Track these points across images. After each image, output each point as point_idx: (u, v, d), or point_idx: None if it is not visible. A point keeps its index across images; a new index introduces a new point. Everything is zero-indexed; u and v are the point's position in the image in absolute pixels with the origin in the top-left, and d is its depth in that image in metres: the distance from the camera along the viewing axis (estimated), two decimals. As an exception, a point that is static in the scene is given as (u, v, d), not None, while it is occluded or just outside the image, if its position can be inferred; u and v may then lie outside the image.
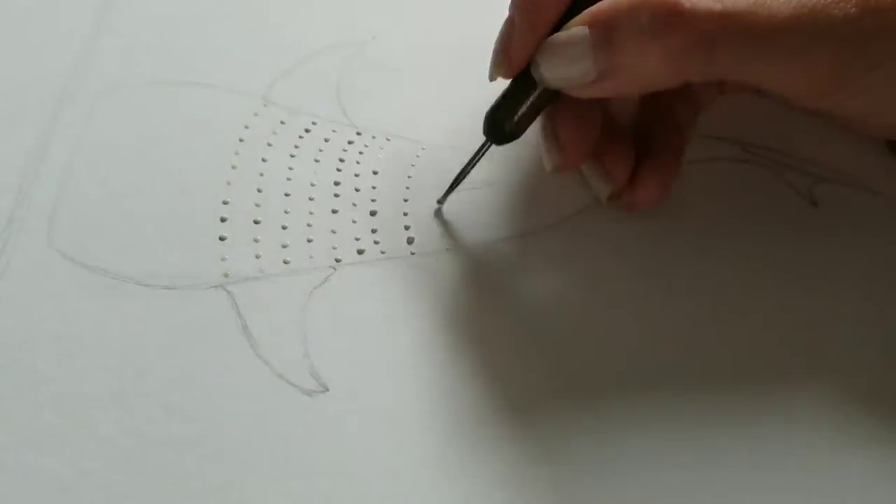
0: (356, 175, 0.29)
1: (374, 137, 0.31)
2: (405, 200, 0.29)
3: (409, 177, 0.30)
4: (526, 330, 0.26)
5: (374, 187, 0.29)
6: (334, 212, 0.28)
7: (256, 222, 0.28)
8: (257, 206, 0.28)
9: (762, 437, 0.24)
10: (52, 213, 0.28)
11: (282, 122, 0.31)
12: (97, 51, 0.33)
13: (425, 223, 0.28)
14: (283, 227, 0.28)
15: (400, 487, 0.23)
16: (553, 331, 0.26)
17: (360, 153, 0.30)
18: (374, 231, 0.28)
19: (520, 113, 0.26)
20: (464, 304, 0.26)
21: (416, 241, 0.28)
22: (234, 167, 0.29)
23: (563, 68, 0.24)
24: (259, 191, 0.29)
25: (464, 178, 0.28)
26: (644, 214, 0.28)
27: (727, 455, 0.23)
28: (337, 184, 0.29)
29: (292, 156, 0.30)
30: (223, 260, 0.27)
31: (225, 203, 0.28)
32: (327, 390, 0.24)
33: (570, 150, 0.27)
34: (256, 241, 0.27)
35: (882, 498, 0.23)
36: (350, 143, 0.30)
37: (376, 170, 0.30)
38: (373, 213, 0.28)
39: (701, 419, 0.24)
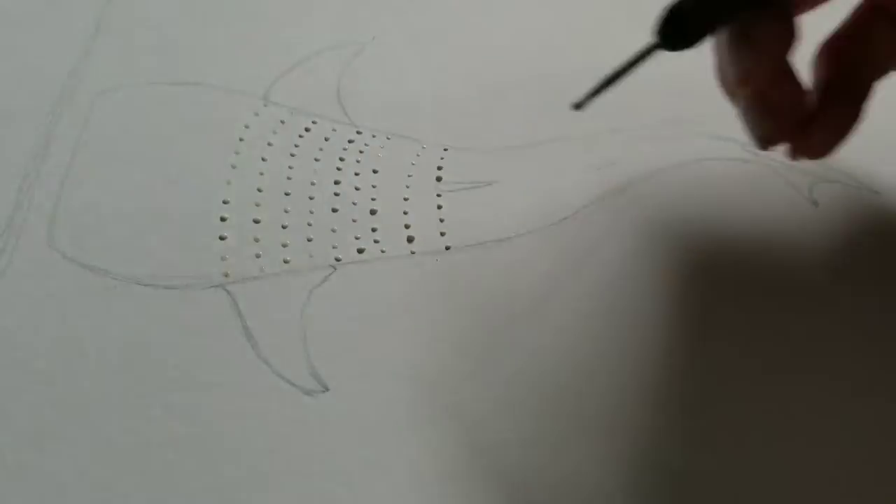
0: (356, 174, 0.29)
1: (374, 136, 0.31)
2: (405, 199, 0.29)
3: (409, 176, 0.30)
4: (528, 329, 0.26)
5: (374, 186, 0.29)
6: (334, 211, 0.28)
7: (256, 222, 0.28)
8: (257, 205, 0.28)
9: (764, 431, 0.24)
10: (53, 214, 0.28)
11: (282, 122, 0.31)
12: (97, 51, 0.33)
13: (426, 222, 0.28)
14: (283, 227, 0.28)
15: (399, 488, 0.23)
16: (556, 330, 0.26)
17: (360, 152, 0.30)
18: (374, 230, 0.28)
19: (707, 13, 0.22)
20: (464, 302, 0.26)
21: (416, 240, 0.28)
22: (234, 167, 0.29)
23: None
24: (259, 190, 0.29)
25: (614, 83, 0.23)
26: (643, 213, 0.28)
27: (729, 451, 0.23)
28: (337, 183, 0.29)
29: (292, 155, 0.30)
30: (223, 259, 0.27)
31: (225, 203, 0.28)
32: (327, 390, 0.24)
33: (765, 52, 0.23)
34: (256, 240, 0.27)
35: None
36: (350, 142, 0.30)
37: (376, 169, 0.30)
38: (373, 213, 0.28)
39: (702, 412, 0.24)
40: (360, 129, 0.31)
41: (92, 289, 0.26)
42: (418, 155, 0.30)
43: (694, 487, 0.23)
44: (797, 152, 0.26)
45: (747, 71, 0.24)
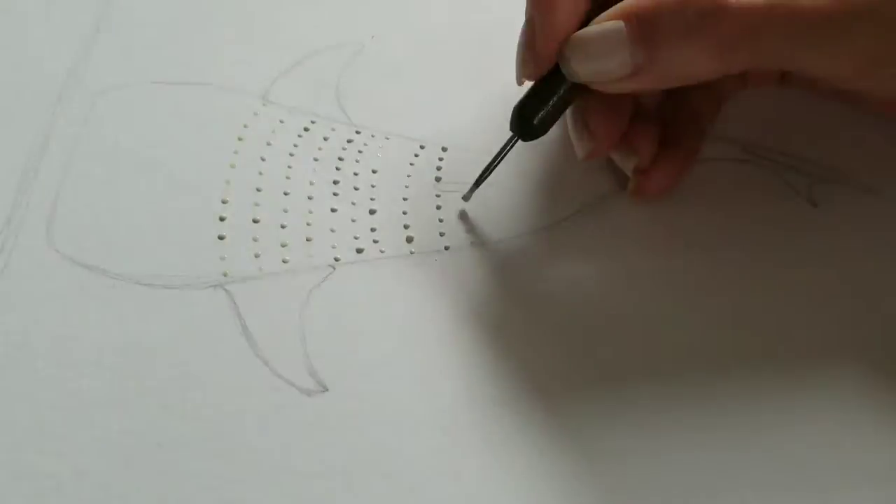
0: (355, 174, 0.29)
1: (373, 136, 0.31)
2: (404, 199, 0.29)
3: (408, 175, 0.30)
4: (526, 329, 0.26)
5: (373, 186, 0.29)
6: (333, 211, 0.28)
7: (255, 221, 0.28)
8: (256, 205, 0.28)
9: (765, 429, 0.24)
10: (51, 213, 0.28)
11: (281, 122, 0.31)
12: (96, 50, 0.33)
13: (425, 222, 0.28)
14: (282, 227, 0.28)
15: (399, 487, 0.23)
16: (554, 330, 0.26)
17: (360, 152, 0.30)
18: (373, 230, 0.28)
19: (547, 108, 0.26)
20: (463, 302, 0.26)
21: (415, 240, 0.28)
22: (232, 166, 0.29)
23: (596, 63, 0.24)
24: (258, 190, 0.29)
25: (489, 174, 0.28)
26: (644, 215, 0.28)
27: (731, 447, 0.23)
28: (336, 183, 0.29)
29: (291, 155, 0.30)
30: (222, 259, 0.27)
31: (224, 202, 0.28)
32: (326, 390, 0.24)
33: (600, 137, 0.27)
34: (255, 240, 0.27)
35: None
36: (349, 142, 0.30)
37: (375, 168, 0.30)
38: (372, 212, 0.28)
39: (704, 411, 0.24)
40: (360, 129, 0.31)
41: (90, 288, 0.26)
42: (417, 155, 0.30)
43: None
44: (637, 195, 0.28)
45: (583, 148, 0.27)
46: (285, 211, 0.28)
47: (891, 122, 0.30)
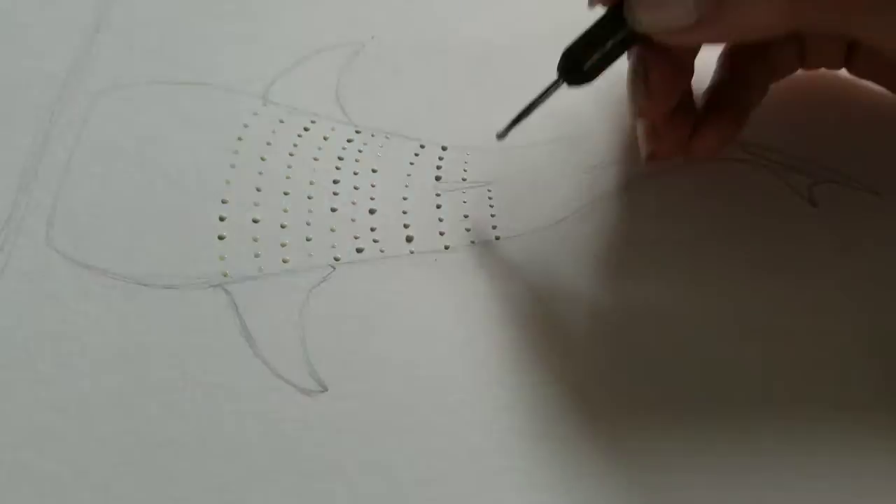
0: (355, 173, 0.29)
1: (372, 136, 0.31)
2: (404, 199, 0.29)
3: (408, 175, 0.30)
4: (528, 327, 0.26)
5: (373, 186, 0.29)
6: (333, 210, 0.28)
7: (255, 221, 0.28)
8: (256, 205, 0.28)
9: (763, 436, 0.24)
10: (51, 213, 0.28)
11: (280, 122, 0.31)
12: (96, 50, 0.33)
13: (424, 222, 0.28)
14: (282, 226, 0.28)
15: (399, 487, 0.23)
16: (556, 329, 0.26)
17: (359, 151, 0.30)
18: (373, 230, 0.28)
19: (600, 54, 0.25)
20: (463, 302, 0.26)
21: (415, 239, 0.28)
22: (232, 166, 0.29)
23: (661, 10, 0.24)
24: (258, 190, 0.29)
25: (527, 115, 0.27)
26: (642, 214, 0.28)
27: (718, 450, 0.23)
28: (336, 182, 0.29)
29: (291, 154, 0.30)
30: (222, 259, 0.27)
31: (224, 202, 0.28)
32: (326, 390, 0.24)
33: (658, 95, 0.26)
34: (255, 240, 0.27)
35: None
36: (349, 141, 0.30)
37: (375, 168, 0.30)
38: (372, 212, 0.28)
39: (704, 408, 0.24)
40: (359, 129, 0.31)
41: (90, 288, 0.26)
42: (417, 154, 0.30)
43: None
44: (684, 154, 0.28)
45: (643, 107, 0.26)
46: (285, 211, 0.28)
47: (891, 120, 0.31)
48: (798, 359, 0.25)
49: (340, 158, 0.30)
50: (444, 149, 0.30)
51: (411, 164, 0.30)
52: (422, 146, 0.30)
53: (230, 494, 0.22)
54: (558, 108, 0.28)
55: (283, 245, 0.27)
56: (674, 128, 0.28)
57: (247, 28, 0.34)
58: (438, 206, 0.29)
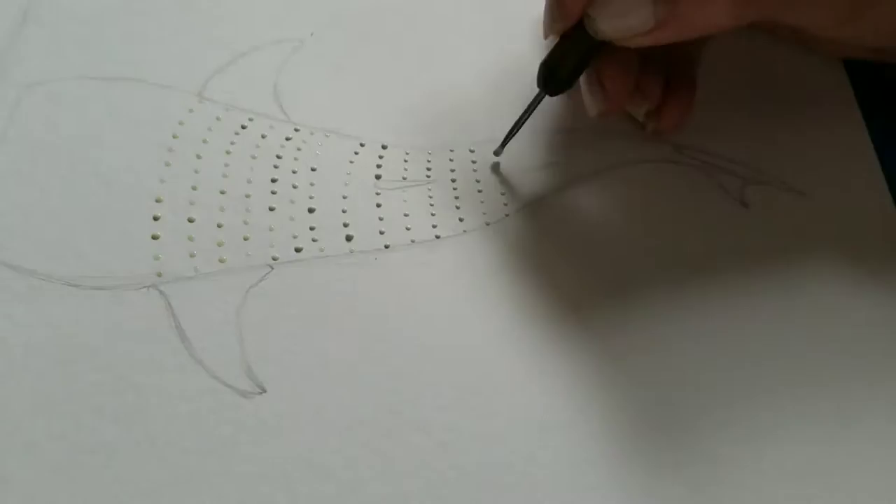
0: (294, 172, 0.29)
1: (312, 134, 0.30)
2: (344, 197, 0.29)
3: (347, 174, 0.29)
4: (468, 326, 0.26)
5: (312, 184, 0.29)
6: (271, 209, 0.28)
7: (191, 220, 0.27)
8: (192, 203, 0.28)
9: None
10: (-25, 211, 0.27)
11: (217, 119, 0.30)
12: (23, 42, 0.31)
13: (364, 221, 0.28)
14: (219, 226, 0.27)
15: (338, 489, 0.22)
16: (496, 330, 0.26)
17: (298, 150, 0.30)
18: (312, 229, 0.28)
19: (572, 63, 0.28)
20: (402, 301, 0.26)
21: (355, 238, 0.28)
22: (167, 164, 0.29)
23: (620, 20, 0.26)
24: (194, 188, 0.28)
25: (517, 130, 0.29)
26: (581, 214, 0.29)
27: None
28: (274, 181, 0.29)
29: (228, 153, 0.29)
30: (156, 259, 0.26)
31: (158, 201, 0.28)
32: (264, 391, 0.24)
33: (613, 94, 0.28)
34: (191, 239, 0.27)
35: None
36: (288, 139, 0.30)
37: (314, 167, 0.29)
38: (311, 211, 0.28)
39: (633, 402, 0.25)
40: (298, 127, 0.30)
41: (16, 289, 0.25)
42: (357, 153, 0.30)
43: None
44: (658, 134, 0.31)
45: (597, 107, 0.29)
46: (222, 210, 0.28)
47: (817, 124, 0.32)
48: (726, 355, 0.26)
49: (279, 157, 0.29)
50: (384, 147, 0.30)
51: (351, 162, 0.30)
52: (361, 145, 0.30)
53: (163, 500, 0.22)
54: (500, 106, 0.28)
55: (219, 244, 0.27)
56: (632, 106, 0.31)
57: (182, 22, 0.33)
58: (378, 206, 0.29)
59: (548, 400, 0.25)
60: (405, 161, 0.30)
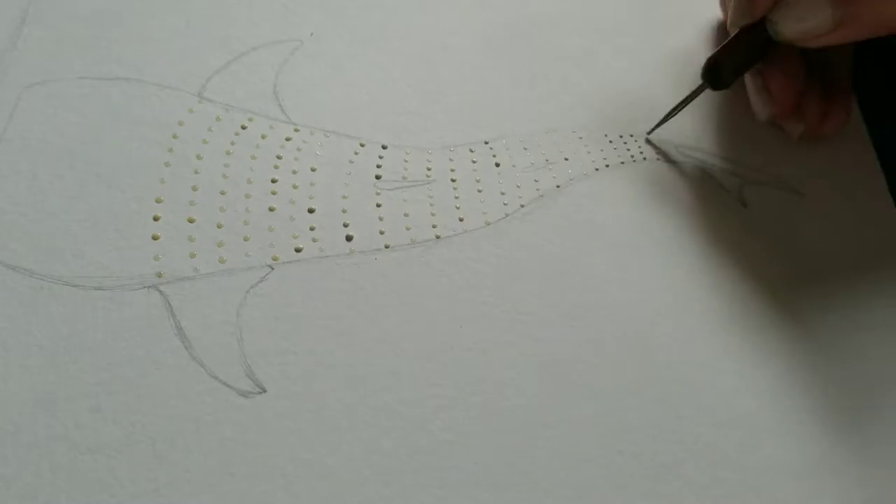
0: (294, 172, 0.29)
1: (312, 134, 0.30)
2: (344, 197, 0.29)
3: (347, 174, 0.29)
4: (468, 327, 0.26)
5: (312, 184, 0.29)
6: (271, 209, 0.28)
7: (191, 221, 0.27)
8: (192, 204, 0.28)
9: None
10: (-25, 212, 0.27)
11: (217, 119, 0.30)
12: (24, 42, 0.31)
13: (364, 221, 0.28)
14: (219, 226, 0.27)
15: (338, 490, 0.23)
16: (498, 329, 0.26)
17: (298, 150, 0.30)
18: (312, 229, 0.28)
19: (738, 62, 0.29)
20: (403, 301, 0.26)
21: (354, 238, 0.28)
22: (167, 164, 0.29)
23: (801, 24, 0.27)
24: (194, 189, 0.28)
25: (674, 115, 0.31)
26: (579, 214, 0.29)
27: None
28: (274, 181, 0.29)
29: (228, 153, 0.29)
30: (156, 259, 0.26)
31: (158, 201, 0.28)
32: (264, 391, 0.24)
33: (780, 99, 0.30)
34: (191, 239, 0.27)
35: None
36: (288, 139, 0.30)
37: (314, 167, 0.29)
38: (311, 211, 0.28)
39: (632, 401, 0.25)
40: (298, 127, 0.30)
41: (16, 289, 0.25)
42: (357, 153, 0.30)
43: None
44: (820, 138, 0.32)
45: (767, 112, 0.30)
46: (222, 210, 0.28)
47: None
48: (729, 358, 0.26)
49: (279, 157, 0.29)
50: (384, 147, 0.30)
51: (351, 162, 0.30)
52: (361, 145, 0.30)
53: (165, 500, 0.22)
54: (497, 106, 0.28)
55: (219, 245, 0.27)
56: (801, 116, 0.31)
57: (182, 22, 0.33)
58: (378, 206, 0.29)
59: (548, 400, 0.25)
60: (405, 161, 0.30)
